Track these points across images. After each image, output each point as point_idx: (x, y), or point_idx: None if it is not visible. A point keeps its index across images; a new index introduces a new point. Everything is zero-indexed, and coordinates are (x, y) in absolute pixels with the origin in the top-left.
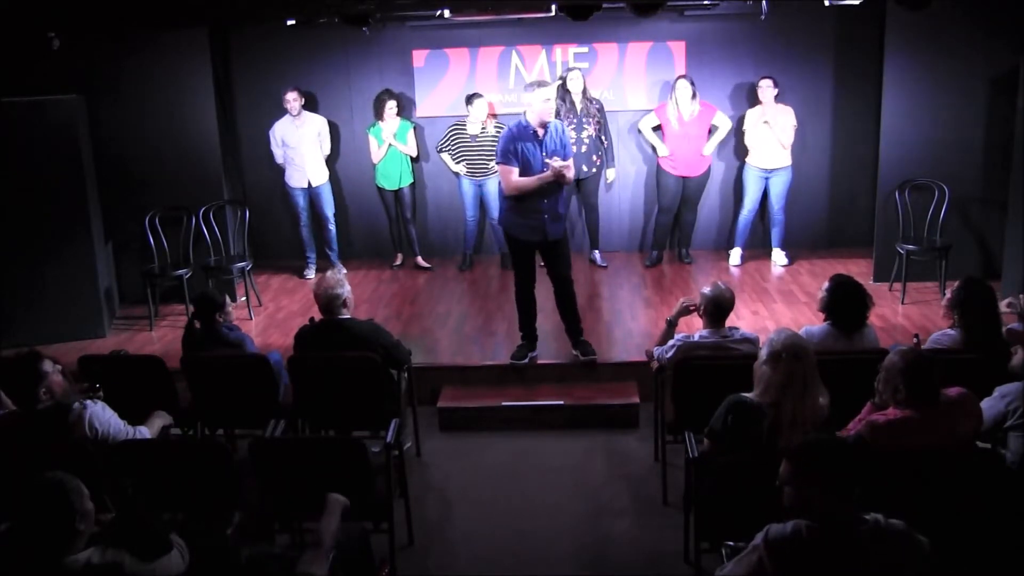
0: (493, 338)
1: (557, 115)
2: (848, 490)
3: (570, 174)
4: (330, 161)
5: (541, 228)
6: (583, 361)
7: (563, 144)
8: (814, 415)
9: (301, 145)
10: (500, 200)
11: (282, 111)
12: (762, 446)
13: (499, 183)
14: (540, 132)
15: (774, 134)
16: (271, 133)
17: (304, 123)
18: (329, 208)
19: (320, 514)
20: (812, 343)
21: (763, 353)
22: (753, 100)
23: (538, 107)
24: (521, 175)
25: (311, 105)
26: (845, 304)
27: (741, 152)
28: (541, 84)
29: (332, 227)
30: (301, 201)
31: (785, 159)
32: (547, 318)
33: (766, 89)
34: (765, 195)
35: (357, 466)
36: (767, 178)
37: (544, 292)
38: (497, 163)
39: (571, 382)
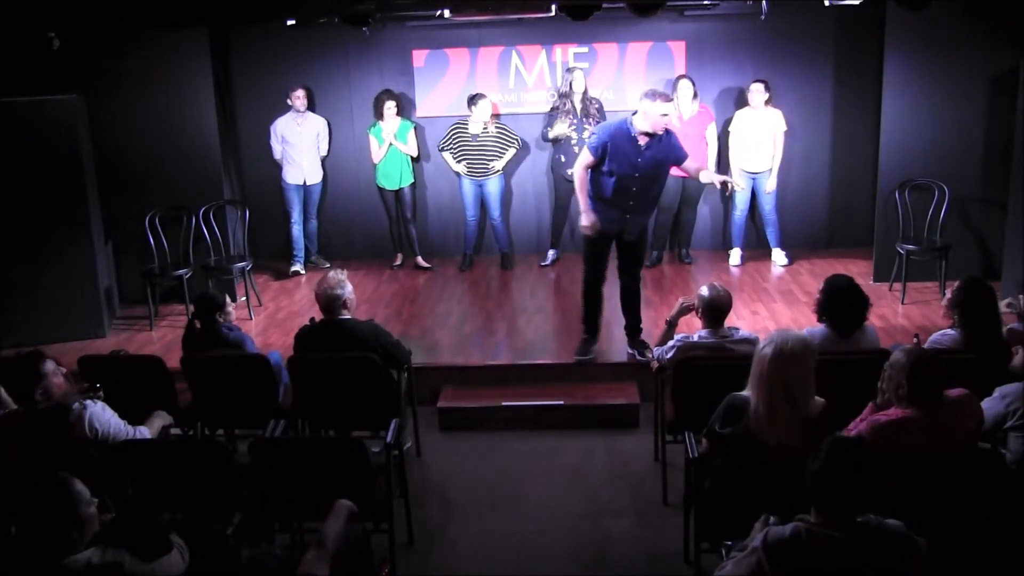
0: (493, 338)
1: (551, 111)
2: (856, 497)
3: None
4: (324, 161)
5: (622, 222)
6: (639, 361)
7: (667, 153)
8: (801, 415)
9: (300, 143)
10: (497, 202)
11: (284, 108)
12: (747, 441)
13: (500, 184)
14: (642, 140)
15: (760, 138)
16: (272, 128)
17: (306, 122)
18: (314, 207)
19: (325, 516)
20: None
21: (757, 349)
22: (742, 102)
23: (653, 118)
24: (611, 173)
25: (311, 105)
26: (841, 305)
27: (727, 154)
28: (664, 97)
29: (315, 223)
30: (295, 197)
31: (769, 162)
32: (547, 319)
33: (755, 93)
34: (755, 196)
35: (357, 466)
36: (754, 180)
37: (546, 290)
38: (587, 145)
39: (571, 382)
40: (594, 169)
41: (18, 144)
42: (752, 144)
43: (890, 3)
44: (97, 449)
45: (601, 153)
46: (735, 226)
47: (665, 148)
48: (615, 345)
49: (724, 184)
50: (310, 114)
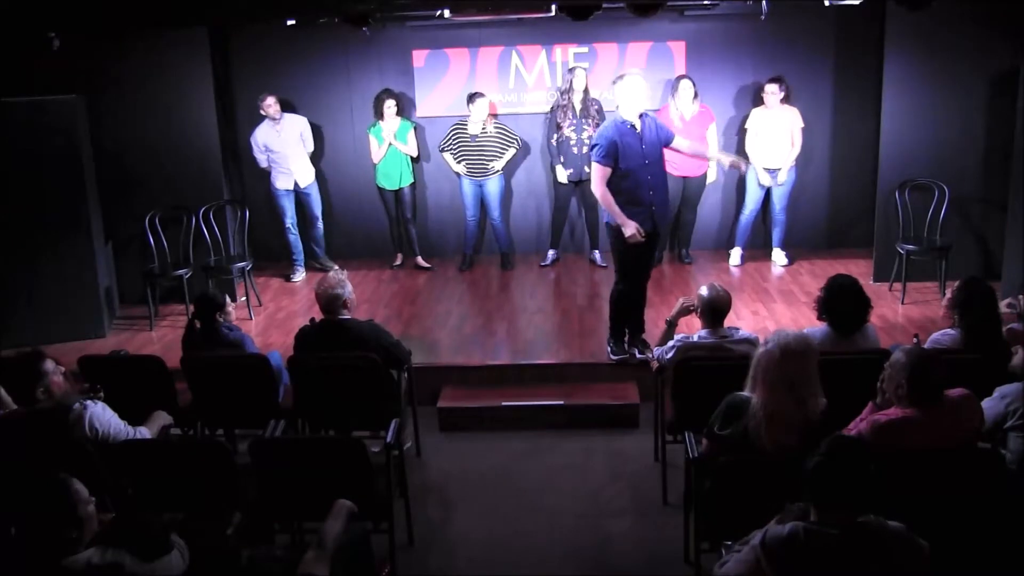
0: (493, 338)
1: (552, 110)
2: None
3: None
4: (316, 160)
5: (650, 217)
6: (639, 359)
7: (658, 135)
8: (800, 416)
9: (285, 148)
10: (497, 202)
11: (263, 117)
12: (745, 441)
13: (500, 184)
14: (639, 126)
15: (779, 136)
16: (252, 140)
17: (284, 126)
18: (317, 207)
19: (325, 516)
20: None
21: (758, 348)
22: (756, 101)
23: (634, 94)
24: (625, 175)
25: (307, 107)
26: (843, 305)
27: (743, 153)
28: (628, 74)
29: (320, 226)
30: (287, 203)
31: (789, 161)
32: (547, 319)
33: (770, 95)
34: (767, 196)
35: (357, 466)
36: (763, 183)
37: (546, 290)
38: (594, 160)
39: (571, 382)
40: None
41: (18, 144)
42: (770, 142)
43: (890, 3)
44: (97, 449)
45: (614, 157)
46: (741, 225)
47: (654, 127)
48: None
49: (736, 166)
50: (287, 116)
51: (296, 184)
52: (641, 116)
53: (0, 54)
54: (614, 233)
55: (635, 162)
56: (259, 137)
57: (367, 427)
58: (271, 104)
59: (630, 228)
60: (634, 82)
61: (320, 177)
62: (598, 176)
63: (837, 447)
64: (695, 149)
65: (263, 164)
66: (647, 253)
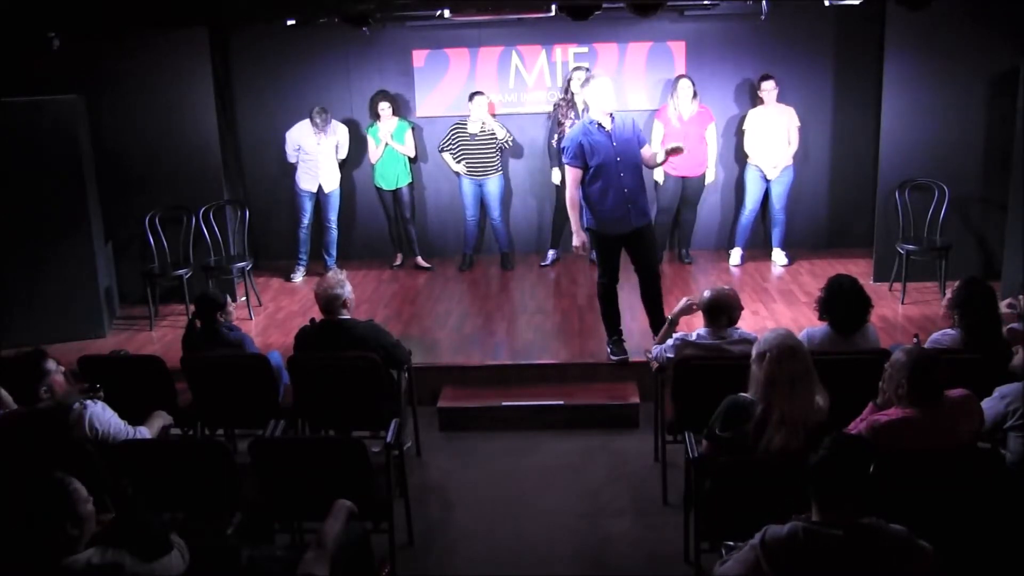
0: (493, 338)
1: (554, 107)
2: (846, 498)
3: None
4: (349, 167)
5: (626, 218)
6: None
7: (631, 133)
8: (806, 416)
9: (320, 156)
10: (497, 202)
11: (284, 110)
12: (747, 445)
13: (500, 184)
14: (608, 125)
15: (776, 135)
16: (288, 136)
17: (326, 136)
18: (333, 212)
19: (325, 516)
20: (812, 345)
21: (753, 352)
22: (754, 100)
23: (601, 95)
24: (596, 175)
25: (307, 107)
26: (841, 305)
27: (742, 153)
28: (595, 76)
29: (334, 231)
30: (307, 204)
31: (787, 159)
32: (547, 319)
33: (767, 92)
34: (766, 195)
35: (357, 466)
36: (768, 178)
37: (546, 290)
38: (565, 162)
39: (571, 382)
40: (581, 182)
41: (18, 144)
42: (768, 142)
43: (890, 3)
44: (97, 449)
45: (581, 156)
46: (741, 225)
47: (628, 128)
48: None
49: (676, 150)
50: (332, 124)
51: (320, 187)
52: (612, 116)
53: (0, 54)
54: (590, 231)
55: (606, 158)
56: (295, 136)
57: (367, 427)
58: (318, 116)
59: (577, 239)
60: (601, 84)
61: (347, 183)
62: (569, 178)
63: (841, 444)
64: (650, 157)
65: (292, 159)
66: (617, 252)
